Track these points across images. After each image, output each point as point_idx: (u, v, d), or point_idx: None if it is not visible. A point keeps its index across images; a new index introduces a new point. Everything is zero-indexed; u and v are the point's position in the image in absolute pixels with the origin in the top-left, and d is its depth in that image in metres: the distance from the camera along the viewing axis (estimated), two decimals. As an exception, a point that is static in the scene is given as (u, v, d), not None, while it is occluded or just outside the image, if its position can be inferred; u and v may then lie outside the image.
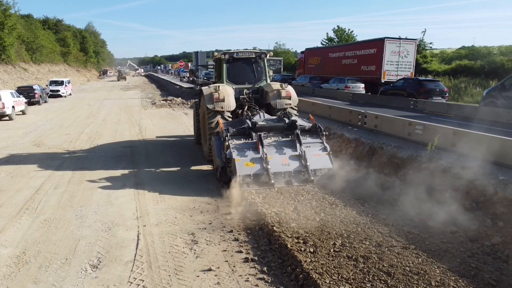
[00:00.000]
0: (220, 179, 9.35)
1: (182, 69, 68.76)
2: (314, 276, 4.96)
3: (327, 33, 52.77)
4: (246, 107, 11.32)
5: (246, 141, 9.14)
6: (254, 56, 11.79)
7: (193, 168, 11.22)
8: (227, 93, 10.71)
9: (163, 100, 30.40)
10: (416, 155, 8.89)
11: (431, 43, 40.36)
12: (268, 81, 11.95)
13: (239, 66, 11.86)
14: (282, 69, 57.22)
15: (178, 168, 11.22)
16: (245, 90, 11.56)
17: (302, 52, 41.70)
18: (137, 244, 6.41)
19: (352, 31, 50.76)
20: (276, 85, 11.30)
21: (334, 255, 5.60)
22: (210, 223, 7.23)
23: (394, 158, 9.22)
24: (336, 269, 5.20)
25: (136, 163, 11.76)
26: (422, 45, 39.35)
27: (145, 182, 9.83)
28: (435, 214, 7.04)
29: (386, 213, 7.29)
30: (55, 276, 5.44)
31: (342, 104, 20.64)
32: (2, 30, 40.72)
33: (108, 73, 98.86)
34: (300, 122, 10.03)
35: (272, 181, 8.37)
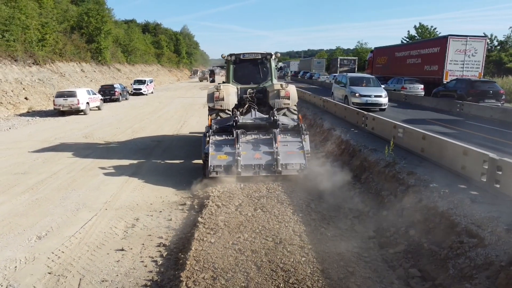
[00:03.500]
0: (203, 172, 10.04)
1: None
2: (188, 262, 5.41)
3: (408, 31, 49.81)
4: (247, 106, 11.84)
5: (227, 138, 9.75)
6: (260, 57, 12.21)
7: (194, 162, 12.03)
8: (227, 92, 11.33)
9: (224, 99, 31.73)
10: (381, 159, 8.55)
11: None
12: (274, 81, 12.28)
13: (245, 67, 12.38)
14: (356, 69, 55.98)
15: (181, 161, 12.14)
16: (248, 90, 12.05)
17: (371, 52, 40.21)
18: (86, 223, 7.38)
19: (435, 28, 46.90)
20: (277, 85, 11.61)
21: (228, 247, 5.92)
22: (161, 212, 7.95)
23: (364, 161, 8.98)
24: (217, 258, 5.55)
25: (150, 155, 12.94)
26: (509, 42, 35.19)
27: (141, 172, 10.88)
28: (366, 218, 6.91)
29: (326, 214, 7.30)
30: (4, 242, 6.62)
31: (389, 106, 19.83)
32: (99, 35, 46.12)
33: (198, 73, 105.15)
34: (285, 121, 10.30)
35: (239, 170, 8.89)
